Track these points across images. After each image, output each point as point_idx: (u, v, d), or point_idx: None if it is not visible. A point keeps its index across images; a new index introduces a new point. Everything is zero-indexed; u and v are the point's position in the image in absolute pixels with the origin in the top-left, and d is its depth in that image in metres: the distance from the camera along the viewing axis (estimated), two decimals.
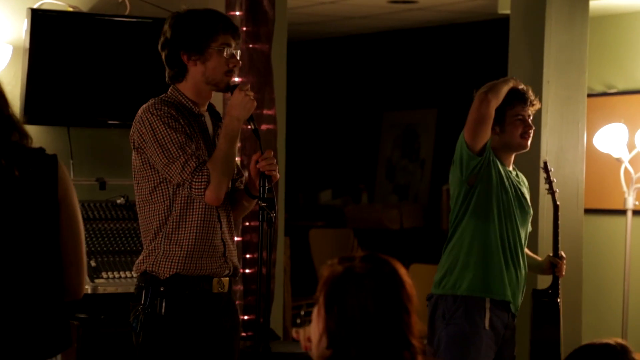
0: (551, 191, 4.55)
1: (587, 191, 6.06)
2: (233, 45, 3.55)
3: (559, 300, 4.46)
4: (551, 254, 4.46)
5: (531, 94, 4.28)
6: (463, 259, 4.17)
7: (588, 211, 6.31)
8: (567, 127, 5.83)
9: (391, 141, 9.95)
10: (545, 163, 4.61)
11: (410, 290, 2.19)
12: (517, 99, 4.25)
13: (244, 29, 5.29)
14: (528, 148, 4.29)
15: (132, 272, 4.67)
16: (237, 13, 5.30)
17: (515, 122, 4.23)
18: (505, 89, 4.18)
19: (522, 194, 4.27)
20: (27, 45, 4.83)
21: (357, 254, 2.30)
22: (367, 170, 10.08)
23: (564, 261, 4.45)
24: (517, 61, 5.88)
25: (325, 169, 10.42)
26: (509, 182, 4.22)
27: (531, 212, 4.32)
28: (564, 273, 4.45)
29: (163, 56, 3.60)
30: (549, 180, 4.56)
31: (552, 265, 4.43)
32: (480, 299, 4.14)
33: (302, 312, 7.70)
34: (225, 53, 3.52)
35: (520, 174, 4.37)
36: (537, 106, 4.30)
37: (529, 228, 4.36)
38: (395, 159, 9.91)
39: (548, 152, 5.71)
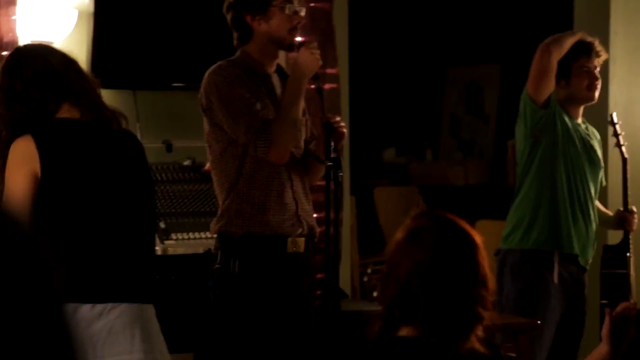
0: (619, 144, 4.48)
1: None
2: (295, 2, 3.55)
3: (628, 254, 4.40)
4: (621, 209, 4.41)
5: (597, 45, 4.22)
6: (530, 213, 4.14)
7: None
8: (636, 79, 5.72)
9: (455, 97, 9.87)
10: (611, 116, 4.54)
11: (477, 242, 2.17)
12: (582, 50, 4.19)
13: None
14: (595, 100, 4.22)
15: (202, 234, 4.73)
16: None
17: (580, 74, 4.18)
18: (570, 41, 4.11)
19: (592, 146, 4.22)
20: (92, 9, 4.86)
21: (422, 211, 2.28)
22: (430, 127, 10.02)
23: (635, 215, 4.38)
24: (583, 13, 5.78)
25: (388, 127, 10.37)
26: (577, 135, 4.17)
27: (602, 165, 4.26)
28: (635, 227, 4.38)
29: (228, 19, 3.62)
30: (616, 134, 4.49)
31: (622, 219, 4.37)
32: (548, 253, 4.12)
33: (369, 270, 7.71)
34: (287, 10, 3.52)
35: (590, 127, 4.31)
36: (604, 57, 4.24)
37: (603, 182, 4.31)
38: (459, 115, 9.84)
39: (616, 104, 5.62)
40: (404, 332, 2.15)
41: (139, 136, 5.06)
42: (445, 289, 2.12)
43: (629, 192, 4.43)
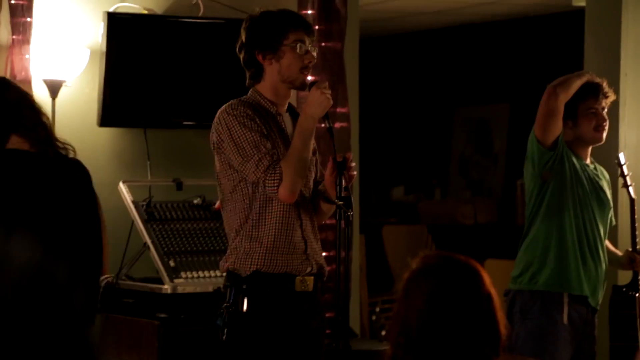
0: (626, 185, 4.47)
1: None
2: (307, 42, 3.57)
3: (638, 295, 4.38)
4: (630, 249, 4.40)
5: (605, 86, 4.22)
6: (540, 255, 4.14)
7: None
8: None
9: (464, 136, 9.89)
10: (618, 157, 4.53)
11: (489, 284, 2.16)
12: (590, 92, 4.20)
13: (316, 27, 5.30)
14: (603, 141, 4.23)
15: (211, 272, 4.73)
16: (310, 12, 5.32)
17: (588, 115, 4.18)
18: (577, 83, 4.12)
19: (601, 187, 4.21)
20: (104, 48, 4.90)
21: (434, 251, 2.28)
22: (439, 166, 10.03)
23: None
24: (593, 54, 5.80)
25: (397, 165, 10.39)
26: (585, 175, 4.17)
27: (611, 205, 4.26)
28: None
29: (241, 59, 3.64)
30: (623, 174, 4.48)
31: (631, 260, 4.36)
32: (557, 294, 4.10)
33: (378, 309, 7.69)
34: (298, 49, 3.54)
35: (599, 167, 4.31)
36: (612, 98, 4.24)
37: (613, 222, 4.30)
38: (468, 154, 9.85)
39: (626, 145, 5.63)
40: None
41: (149, 174, 5.10)
42: (451, 329, 2.11)
43: (638, 232, 4.42)
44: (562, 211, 4.12)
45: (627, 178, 4.48)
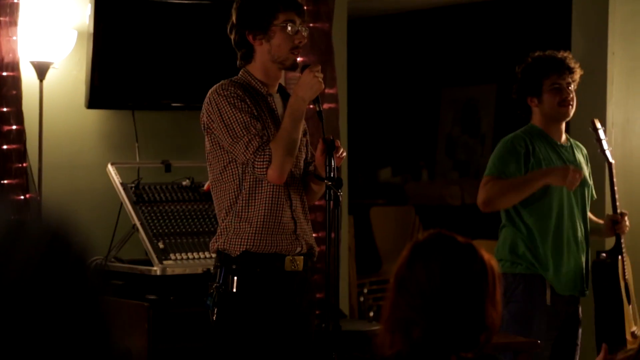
0: (602, 149, 4.40)
1: None
2: (297, 22, 3.56)
3: (620, 257, 4.32)
4: (611, 213, 4.36)
5: (570, 61, 4.19)
6: (518, 240, 4.13)
7: None
8: (633, 99, 5.74)
9: (451, 117, 9.90)
10: (593, 122, 4.45)
11: (488, 266, 2.17)
12: (552, 68, 4.17)
13: (304, 8, 5.28)
14: (570, 116, 4.19)
15: (200, 254, 4.73)
16: None
17: (551, 91, 4.16)
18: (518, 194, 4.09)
19: (578, 167, 4.19)
20: (92, 30, 4.88)
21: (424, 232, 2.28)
22: (427, 147, 10.04)
23: (626, 217, 4.31)
24: (580, 34, 5.80)
25: (384, 147, 10.39)
26: (561, 161, 4.15)
27: (589, 182, 4.24)
28: (625, 230, 4.32)
29: (232, 40, 3.63)
30: (599, 139, 4.41)
31: (614, 222, 4.31)
32: (539, 276, 4.11)
33: (366, 290, 7.70)
34: (289, 30, 3.53)
35: (576, 144, 4.29)
36: (579, 73, 4.20)
37: (593, 196, 4.29)
38: (455, 135, 9.85)
39: (614, 124, 5.64)
40: (415, 334, 2.15)
41: (137, 156, 5.09)
42: (454, 304, 2.12)
43: (617, 196, 4.36)
44: (540, 199, 4.11)
45: (604, 142, 4.40)
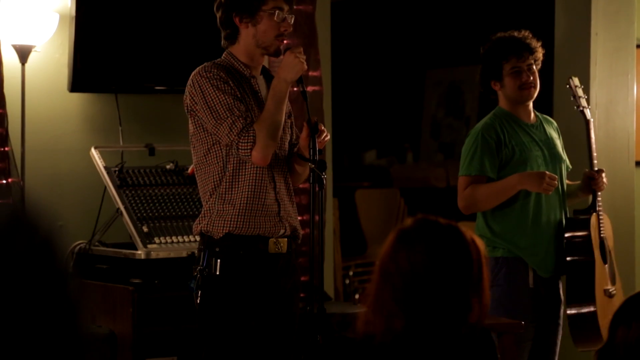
0: (580, 107, 4.35)
1: (638, 143, 5.99)
2: (285, 9, 3.56)
3: (595, 213, 4.26)
4: (587, 170, 4.30)
5: (530, 42, 4.15)
6: (496, 226, 4.13)
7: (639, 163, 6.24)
8: (616, 79, 5.75)
9: (435, 99, 9.90)
10: (569, 79, 4.40)
11: (473, 250, 2.17)
12: (511, 50, 4.13)
13: None
14: (532, 98, 4.17)
15: (185, 237, 4.72)
16: None
17: (511, 74, 4.12)
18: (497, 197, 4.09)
19: (549, 145, 4.17)
20: (74, 13, 4.85)
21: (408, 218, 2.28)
22: (411, 129, 10.04)
23: (602, 174, 4.26)
24: (563, 14, 5.80)
25: (369, 129, 10.39)
26: (533, 144, 4.13)
27: (562, 156, 4.22)
28: (602, 187, 4.27)
29: (217, 18, 3.62)
30: (575, 96, 4.35)
31: (590, 178, 4.26)
32: (520, 259, 4.11)
33: (351, 273, 7.71)
34: (276, 17, 3.53)
35: (545, 119, 4.27)
36: (541, 51, 4.17)
37: (569, 166, 4.27)
38: (440, 117, 9.86)
39: (597, 105, 5.65)
40: (396, 325, 2.15)
41: (121, 140, 5.07)
42: (440, 287, 2.12)
43: (594, 154, 4.33)
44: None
45: (581, 100, 4.35)
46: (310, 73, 5.33)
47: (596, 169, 4.27)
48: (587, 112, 4.35)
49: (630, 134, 5.82)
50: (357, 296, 7.51)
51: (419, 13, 9.95)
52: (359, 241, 8.30)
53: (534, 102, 4.24)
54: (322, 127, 3.54)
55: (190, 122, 3.59)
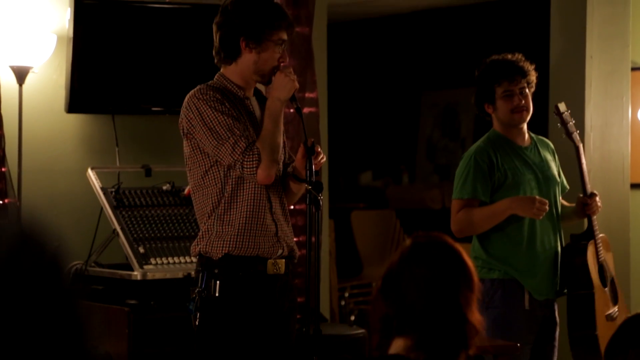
0: (568, 133, 4.32)
1: (633, 166, 6.01)
2: (287, 43, 3.60)
3: (593, 240, 4.26)
4: (581, 195, 4.28)
5: (522, 65, 4.14)
6: (491, 248, 4.13)
7: (634, 186, 6.26)
8: (611, 102, 5.78)
9: (431, 121, 9.92)
10: (556, 106, 4.37)
11: (468, 267, 2.18)
12: (503, 74, 4.13)
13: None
14: (524, 121, 4.16)
15: (181, 258, 4.72)
16: None
17: (503, 98, 4.12)
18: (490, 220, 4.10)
19: (543, 168, 4.18)
20: (71, 34, 4.87)
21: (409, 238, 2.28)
22: (407, 151, 10.06)
23: (596, 198, 4.26)
24: (558, 37, 5.83)
25: (365, 150, 10.40)
26: (526, 167, 4.14)
27: (557, 179, 4.22)
28: (597, 210, 4.26)
29: (218, 34, 3.61)
30: (563, 123, 4.33)
31: (584, 204, 4.25)
32: (516, 281, 4.11)
33: (347, 294, 7.71)
34: (279, 49, 3.56)
35: (539, 140, 4.26)
36: (534, 74, 4.17)
37: (566, 187, 4.27)
38: (436, 139, 9.88)
39: (592, 127, 5.67)
40: (399, 343, 2.15)
41: (117, 161, 5.08)
42: (443, 304, 2.13)
43: (587, 179, 4.33)
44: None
45: (569, 126, 4.33)
46: (307, 94, 5.35)
47: (589, 192, 4.27)
48: (576, 137, 4.34)
49: (625, 157, 5.84)
50: (352, 317, 7.50)
51: (415, 35, 9.99)
52: (355, 263, 8.30)
53: (529, 124, 4.25)
54: (319, 149, 3.56)
55: (185, 144, 3.60)
